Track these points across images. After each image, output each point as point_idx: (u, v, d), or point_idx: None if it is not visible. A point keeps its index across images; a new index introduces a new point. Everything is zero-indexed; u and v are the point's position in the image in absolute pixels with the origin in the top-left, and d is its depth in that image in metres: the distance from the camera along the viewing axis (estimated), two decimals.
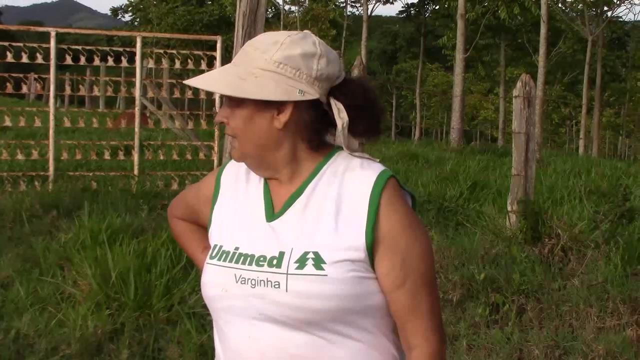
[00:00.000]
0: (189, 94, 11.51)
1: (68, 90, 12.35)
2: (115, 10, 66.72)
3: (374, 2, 43.17)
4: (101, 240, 6.70)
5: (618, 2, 42.68)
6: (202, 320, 5.41)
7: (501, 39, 43.11)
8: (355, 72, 10.41)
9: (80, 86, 11.87)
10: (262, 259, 1.77)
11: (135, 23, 62.69)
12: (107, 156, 11.24)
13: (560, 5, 42.52)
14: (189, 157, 11.53)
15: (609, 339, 5.22)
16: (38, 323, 5.29)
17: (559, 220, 7.43)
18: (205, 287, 1.86)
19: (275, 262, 1.76)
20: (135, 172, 10.72)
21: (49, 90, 10.72)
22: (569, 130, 62.22)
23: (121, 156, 11.16)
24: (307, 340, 1.76)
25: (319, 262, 1.73)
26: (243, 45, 8.00)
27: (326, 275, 1.72)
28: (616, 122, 59.33)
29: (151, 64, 11.80)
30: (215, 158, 11.01)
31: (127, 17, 66.67)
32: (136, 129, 10.85)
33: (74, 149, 11.23)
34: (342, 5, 50.65)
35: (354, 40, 53.07)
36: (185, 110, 11.99)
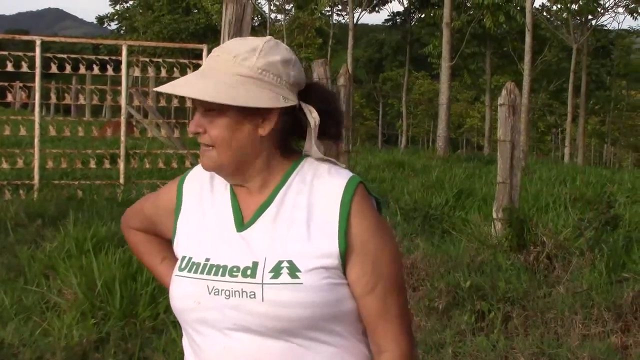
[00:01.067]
0: (175, 102, 11.51)
1: (53, 99, 12.31)
2: (101, 19, 66.53)
3: (359, 10, 43.29)
4: (86, 249, 6.68)
5: (602, 11, 42.94)
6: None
7: (487, 47, 43.27)
8: (341, 81, 10.43)
9: (66, 95, 11.82)
10: (235, 269, 1.76)
11: (121, 31, 62.59)
12: (92, 165, 11.21)
13: (545, 13, 42.81)
14: (175, 165, 11.51)
15: (593, 346, 5.25)
16: (23, 332, 5.26)
17: (544, 227, 7.46)
18: (175, 300, 1.82)
19: (249, 272, 1.74)
20: (121, 180, 10.71)
21: (34, 99, 10.70)
22: (554, 138, 62.51)
23: (107, 165, 11.14)
24: (283, 348, 1.75)
25: (293, 270, 1.73)
26: None
27: (302, 283, 1.72)
28: (601, 130, 59.67)
29: (137, 72, 11.79)
30: None
31: (113, 26, 66.54)
32: (122, 138, 10.85)
33: (59, 158, 11.20)
34: (328, 13, 50.79)
35: (340, 48, 53.14)
36: (171, 118, 11.94)
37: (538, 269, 6.85)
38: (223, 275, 1.76)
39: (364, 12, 45.24)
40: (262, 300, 1.71)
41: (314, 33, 44.89)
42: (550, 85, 50.90)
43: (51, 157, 11.27)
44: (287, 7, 47.81)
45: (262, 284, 1.72)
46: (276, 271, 1.73)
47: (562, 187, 13.36)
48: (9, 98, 11.71)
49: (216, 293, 1.75)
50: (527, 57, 26.55)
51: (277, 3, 46.99)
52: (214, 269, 1.77)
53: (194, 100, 1.79)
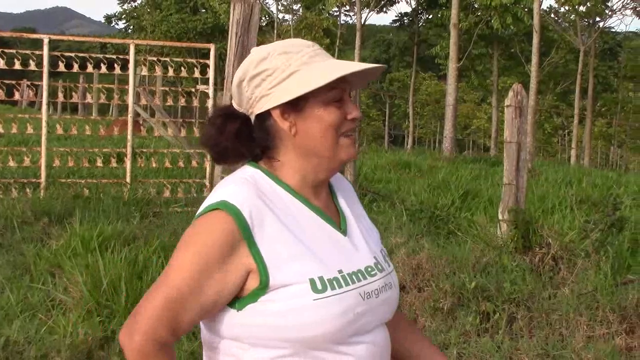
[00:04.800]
0: (182, 102, 11.53)
1: (60, 97, 12.35)
2: (109, 18, 66.65)
3: (367, 11, 43.25)
4: (92, 248, 6.71)
5: (610, 13, 42.89)
6: (194, 328, 5.39)
7: (494, 48, 43.22)
8: None
9: (73, 93, 11.82)
10: (370, 269, 1.85)
11: (129, 30, 62.69)
12: (99, 163, 11.24)
13: (552, 15, 42.72)
14: (181, 164, 11.53)
15: (598, 348, 5.24)
16: (28, 330, 5.27)
17: (550, 229, 7.45)
18: (333, 321, 1.71)
19: (379, 266, 1.88)
20: (128, 179, 10.73)
21: (41, 97, 10.73)
22: (561, 139, 62.40)
23: (113, 163, 11.17)
24: (387, 332, 1.93)
25: (387, 257, 1.98)
26: (236, 52, 8.06)
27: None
28: (608, 132, 59.54)
29: (144, 71, 11.81)
30: (207, 166, 11.01)
31: (121, 25, 66.63)
32: (129, 137, 10.87)
33: (66, 156, 11.24)
34: (335, 14, 50.77)
35: (347, 49, 53.14)
36: (178, 118, 12.00)
37: (543, 271, 6.84)
38: (365, 278, 1.81)
39: (371, 12, 45.18)
40: (395, 287, 1.92)
41: (322, 33, 44.86)
42: (557, 87, 50.86)
43: (58, 155, 11.32)
44: (294, 7, 47.85)
45: (389, 273, 1.91)
46: (386, 260, 1.94)
47: (568, 189, 13.34)
48: (17, 96, 11.75)
49: (368, 297, 1.80)
50: (535, 59, 26.49)
51: (285, 3, 47.06)
52: (354, 276, 1.80)
53: (345, 86, 1.81)
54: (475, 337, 5.64)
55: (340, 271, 1.76)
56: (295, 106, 1.77)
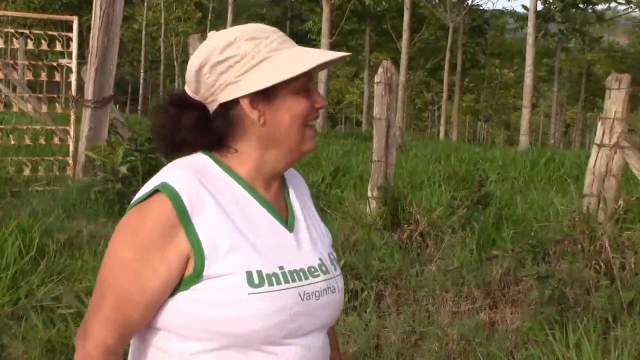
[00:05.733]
0: (43, 76, 11.03)
1: None
2: None
3: None
4: None
5: None
6: (51, 314, 5.17)
7: (366, 24, 43.70)
8: None
9: None
10: (312, 269, 1.75)
11: None
12: None
13: None
14: (42, 141, 11.04)
15: (463, 323, 5.31)
16: None
17: (418, 205, 7.51)
18: (267, 318, 1.63)
19: (324, 268, 1.78)
20: None
21: None
22: (431, 115, 63.91)
23: None
24: (326, 338, 1.84)
25: (336, 260, 1.87)
26: (101, 25, 7.83)
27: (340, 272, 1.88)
28: (475, 107, 61.35)
29: (0, 43, 11.21)
30: (71, 143, 10.62)
31: None
32: None
33: None
34: None
35: (219, 23, 52.49)
36: (39, 92, 11.48)
37: (411, 247, 6.90)
38: (307, 278, 1.73)
39: None
40: (339, 292, 1.82)
41: (193, 7, 44.24)
42: (427, 63, 51.91)
43: None
44: None
45: (335, 277, 1.81)
46: (333, 263, 1.84)
47: (437, 165, 13.59)
48: None
49: (307, 297, 1.71)
50: (405, 35, 26.94)
51: None
52: (296, 274, 1.71)
53: (311, 74, 1.72)
54: (344, 315, 5.62)
55: (281, 267, 1.68)
56: (265, 95, 1.68)
